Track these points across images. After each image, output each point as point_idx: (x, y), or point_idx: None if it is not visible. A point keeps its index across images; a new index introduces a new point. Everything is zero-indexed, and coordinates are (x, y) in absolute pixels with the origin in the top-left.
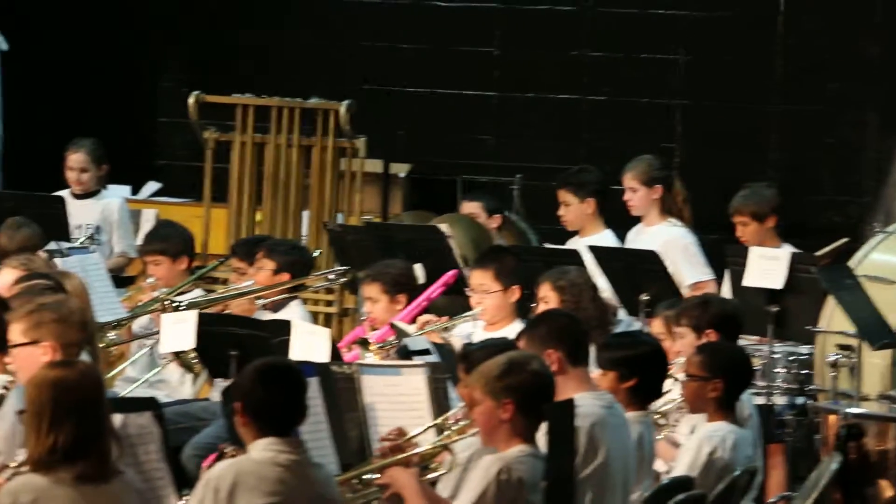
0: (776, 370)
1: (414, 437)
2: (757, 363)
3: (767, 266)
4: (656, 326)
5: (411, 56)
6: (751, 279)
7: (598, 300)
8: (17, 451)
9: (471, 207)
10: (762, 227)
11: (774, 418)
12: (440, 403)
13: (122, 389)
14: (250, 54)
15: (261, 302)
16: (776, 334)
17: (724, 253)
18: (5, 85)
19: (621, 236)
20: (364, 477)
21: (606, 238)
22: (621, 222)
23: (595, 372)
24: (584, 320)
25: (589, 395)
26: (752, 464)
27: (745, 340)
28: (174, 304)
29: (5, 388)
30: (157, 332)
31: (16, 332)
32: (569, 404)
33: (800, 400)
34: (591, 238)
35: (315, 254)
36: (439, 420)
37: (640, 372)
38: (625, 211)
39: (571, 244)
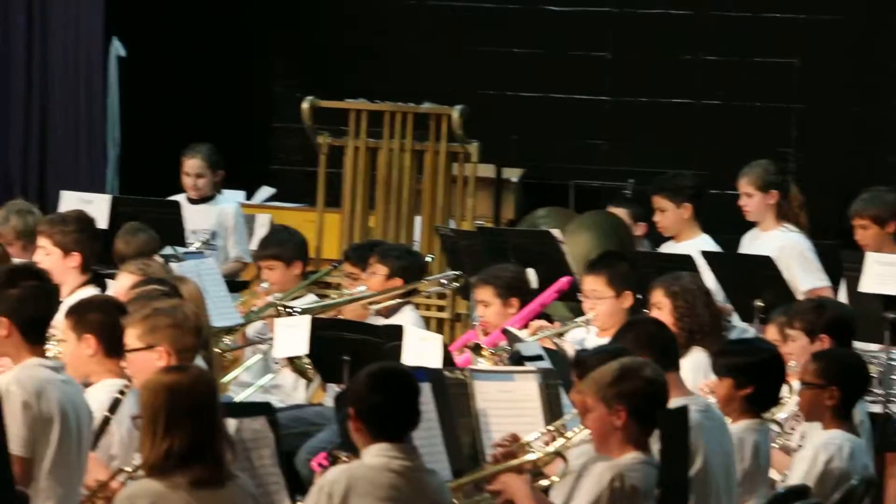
0: (893, 377)
1: (527, 443)
2: (874, 371)
3: (885, 272)
4: (771, 333)
5: (524, 61)
6: (867, 285)
7: (711, 306)
8: (132, 456)
9: (617, 214)
10: (883, 231)
11: (892, 426)
12: (553, 409)
13: (237, 394)
14: (364, 59)
15: (374, 307)
16: (893, 341)
17: (840, 259)
18: (123, 91)
19: (723, 242)
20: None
21: (705, 243)
22: (722, 227)
23: (709, 379)
24: (698, 326)
25: (683, 400)
26: (869, 473)
27: (861, 347)
28: (287, 309)
29: (121, 392)
30: (271, 338)
31: (131, 337)
32: (682, 411)
33: None
34: (688, 243)
35: (427, 259)
36: (552, 426)
37: (758, 379)
38: (727, 216)
39: (665, 249)
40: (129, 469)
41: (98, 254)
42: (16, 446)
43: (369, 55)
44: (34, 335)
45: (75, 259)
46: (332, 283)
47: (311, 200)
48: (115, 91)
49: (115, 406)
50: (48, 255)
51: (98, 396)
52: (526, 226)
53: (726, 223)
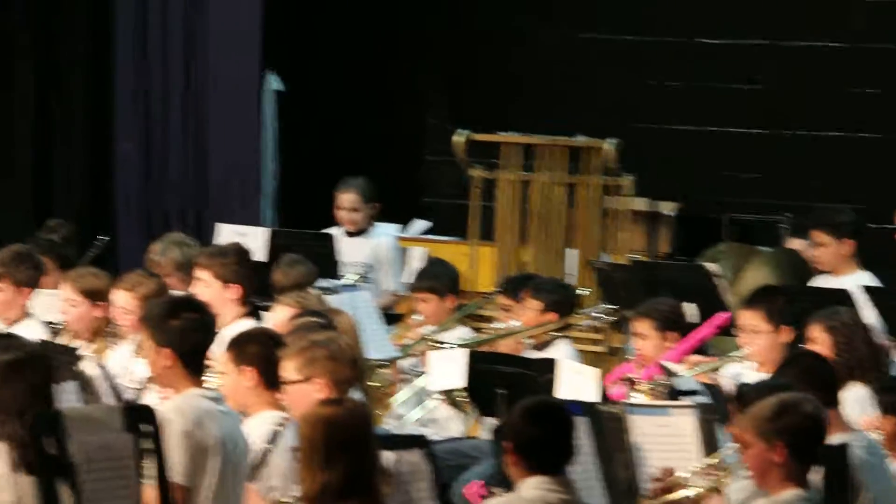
0: None
1: (684, 477)
2: None
3: None
4: None
5: (678, 93)
6: None
7: (870, 342)
8: (291, 488)
9: (796, 244)
10: None
11: None
12: (709, 444)
13: (392, 427)
14: (517, 92)
15: (528, 341)
16: None
17: None
18: (281, 125)
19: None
20: None
21: (866, 279)
22: (878, 262)
23: (870, 414)
24: (857, 362)
25: (845, 436)
26: None
27: None
28: (440, 343)
29: (280, 424)
30: (425, 370)
31: (289, 369)
32: (843, 448)
33: None
34: (847, 278)
35: (583, 293)
36: (709, 461)
37: None
38: (884, 251)
39: (820, 284)
40: (287, 501)
41: (255, 286)
42: (176, 475)
43: (523, 88)
44: (194, 366)
45: (234, 291)
46: (485, 315)
47: (464, 233)
48: (272, 125)
49: (274, 438)
50: (207, 287)
51: (257, 428)
52: (706, 259)
53: (882, 258)
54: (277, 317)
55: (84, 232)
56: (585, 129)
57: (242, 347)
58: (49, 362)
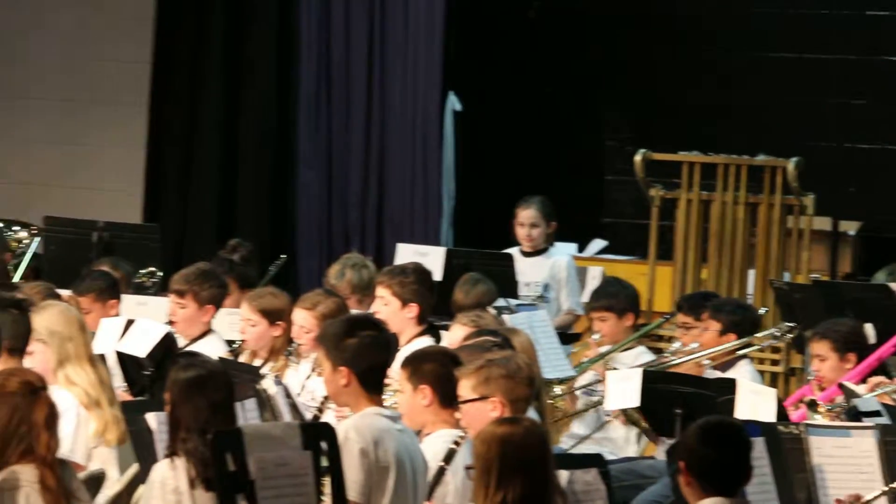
0: None
1: (868, 501)
2: None
3: None
4: None
5: (860, 112)
6: None
7: None
8: None
9: None
10: None
11: None
12: (892, 467)
13: (568, 446)
14: (696, 112)
15: (707, 362)
16: None
17: None
18: (459, 144)
19: None
20: None
21: None
22: None
23: None
24: None
25: None
26: None
27: None
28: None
29: (456, 443)
30: (602, 389)
31: (465, 388)
32: None
33: None
34: None
35: (761, 311)
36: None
37: None
38: None
39: None
40: None
41: (433, 305)
42: (353, 493)
43: (702, 108)
44: (372, 384)
45: (413, 310)
46: (663, 335)
47: (643, 253)
48: (451, 144)
49: (450, 456)
50: (386, 306)
51: (433, 446)
52: (880, 278)
53: None
54: (454, 335)
55: (265, 252)
56: (767, 149)
57: (418, 365)
58: (230, 380)
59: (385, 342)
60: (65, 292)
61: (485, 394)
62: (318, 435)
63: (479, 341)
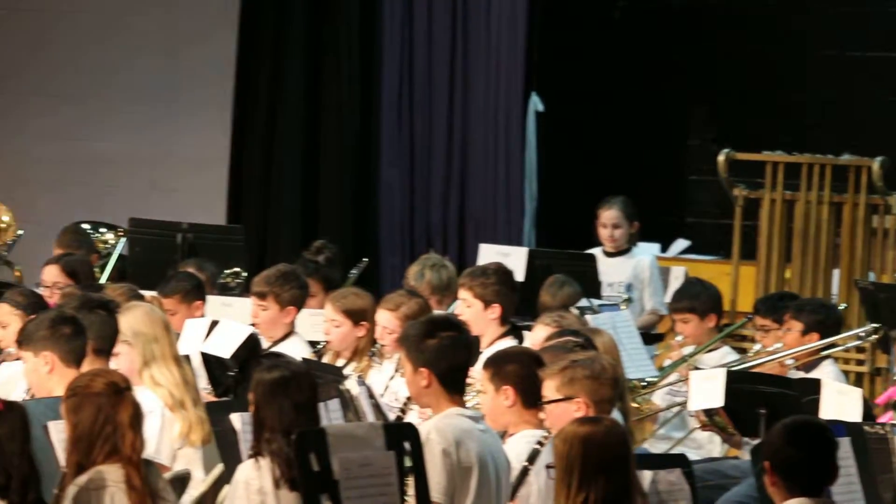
0: None
1: None
2: None
3: None
4: None
5: None
6: None
7: None
8: None
9: None
10: None
11: None
12: None
13: (652, 447)
14: (780, 112)
15: (790, 362)
16: None
17: None
18: (541, 145)
19: None
20: None
21: None
22: None
23: None
24: None
25: None
26: None
27: None
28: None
29: (539, 443)
30: (686, 390)
31: (549, 388)
32: None
33: None
34: None
35: (840, 307)
36: None
37: None
38: None
39: None
40: None
41: (516, 306)
42: (435, 493)
43: (787, 107)
44: (453, 385)
45: (495, 311)
46: (746, 335)
47: (726, 253)
48: (533, 145)
49: (533, 456)
50: (469, 307)
51: (516, 447)
52: None
53: None
54: (537, 336)
55: (348, 253)
56: (852, 148)
57: (501, 366)
58: (314, 381)
59: (465, 343)
60: (148, 293)
61: (569, 394)
62: (401, 435)
63: (561, 342)
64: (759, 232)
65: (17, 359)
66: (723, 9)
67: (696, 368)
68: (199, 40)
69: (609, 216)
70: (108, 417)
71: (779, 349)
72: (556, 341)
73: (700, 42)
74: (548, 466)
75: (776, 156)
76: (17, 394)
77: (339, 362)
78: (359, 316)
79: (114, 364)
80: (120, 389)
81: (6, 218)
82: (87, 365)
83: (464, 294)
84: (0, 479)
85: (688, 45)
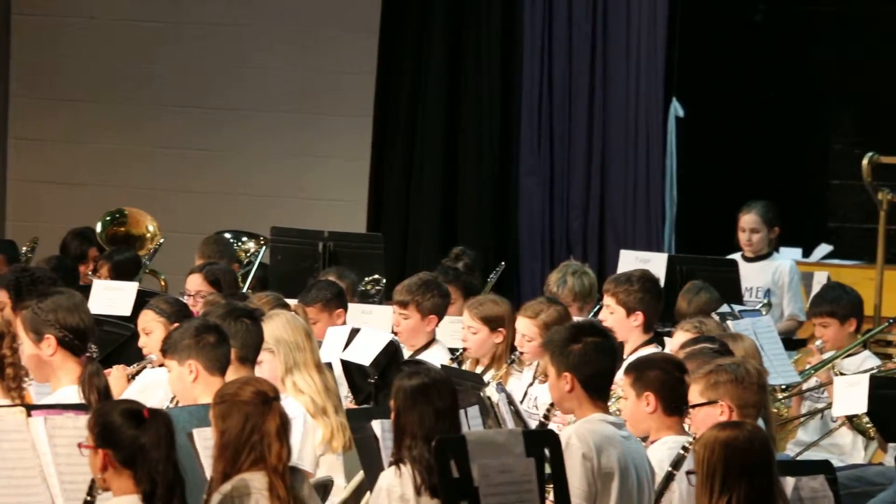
0: None
1: None
2: None
3: None
4: None
5: None
6: None
7: None
8: None
9: None
10: None
11: None
12: None
13: (794, 453)
14: None
15: None
16: None
17: None
18: (681, 150)
19: None
20: None
21: None
22: None
23: None
24: None
25: None
26: None
27: None
28: (842, 369)
29: (684, 448)
30: (827, 396)
31: (694, 392)
32: None
33: None
34: None
35: None
36: None
37: None
38: None
39: None
40: None
41: (660, 313)
42: (576, 498)
43: None
44: (597, 390)
45: (638, 318)
46: (892, 340)
47: (870, 258)
48: (674, 151)
49: (678, 462)
50: (612, 314)
51: (658, 453)
52: None
53: None
54: (677, 342)
55: (487, 260)
56: None
57: (642, 372)
58: (454, 387)
59: (610, 348)
60: (292, 302)
61: (712, 398)
62: (541, 442)
63: (697, 349)
64: None
65: (160, 365)
66: (870, 10)
67: (838, 374)
68: (340, 46)
69: (748, 221)
70: (255, 426)
71: None
72: (691, 349)
73: (844, 43)
74: (688, 473)
75: None
76: (155, 400)
77: (478, 369)
78: (496, 323)
79: (257, 372)
80: (268, 399)
81: (151, 227)
82: (232, 373)
83: (608, 301)
84: (145, 486)
85: (831, 47)
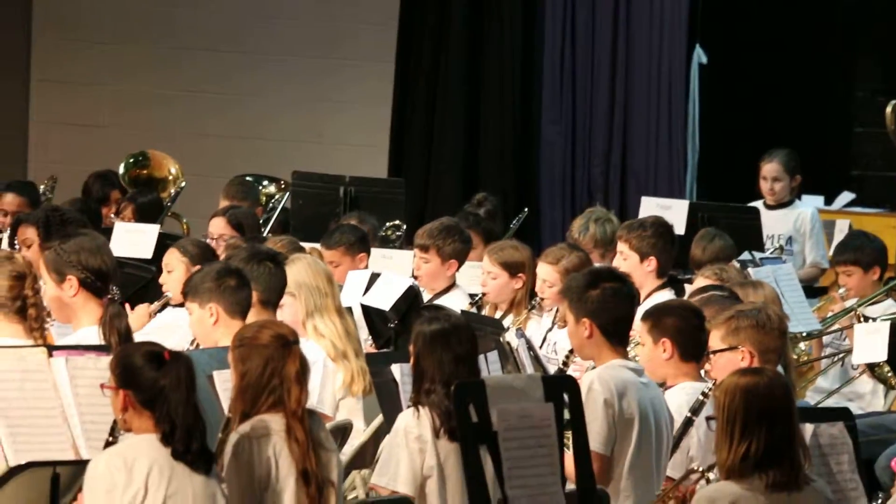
0: None
1: None
2: None
3: None
4: None
5: None
6: None
7: None
8: (709, 458)
9: None
10: None
11: None
12: None
13: (813, 400)
14: None
15: None
16: None
17: None
18: (703, 97)
19: None
20: None
21: None
22: None
23: None
24: None
25: None
26: None
27: None
28: (864, 316)
29: (704, 394)
30: (848, 343)
31: (715, 339)
32: None
33: None
34: None
35: None
36: None
37: None
38: None
39: None
40: (701, 469)
41: (675, 259)
42: (596, 444)
43: None
44: (616, 336)
45: (651, 264)
46: None
47: (892, 205)
48: (696, 98)
49: (698, 408)
50: (626, 260)
51: (675, 399)
52: None
53: None
54: (695, 289)
55: (508, 206)
56: None
57: (658, 319)
58: (473, 333)
59: (628, 294)
60: (309, 245)
61: (733, 344)
62: (560, 387)
63: (707, 296)
64: None
65: (180, 305)
66: None
67: (861, 321)
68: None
69: (770, 169)
70: (275, 370)
71: None
72: (701, 296)
73: None
74: (708, 418)
75: None
76: (174, 340)
77: (497, 315)
78: (516, 268)
79: (279, 315)
80: (288, 342)
81: (174, 170)
82: (254, 316)
83: (621, 247)
84: (165, 427)
85: None
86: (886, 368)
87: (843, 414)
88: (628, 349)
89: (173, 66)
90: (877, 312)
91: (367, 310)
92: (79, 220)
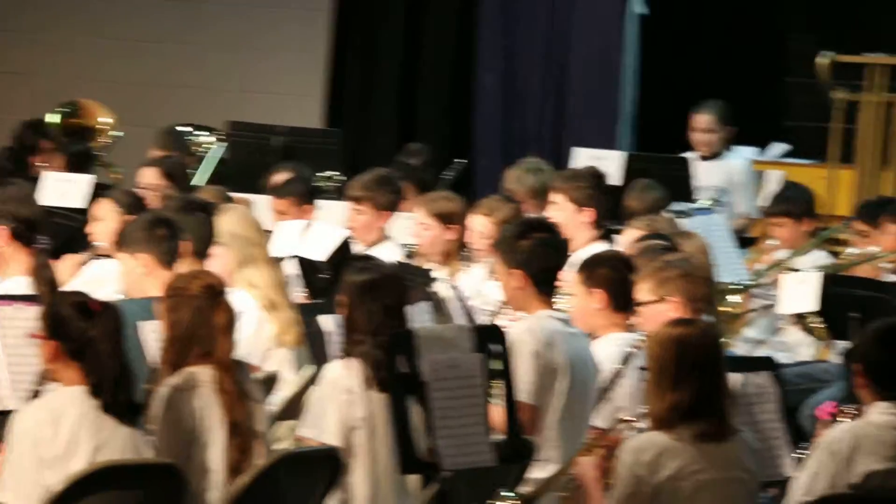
0: None
1: None
2: None
3: None
4: None
5: None
6: None
7: None
8: (638, 408)
9: None
10: None
11: None
12: None
13: (742, 350)
14: (884, 10)
15: (887, 266)
16: None
17: None
18: (641, 48)
19: None
20: None
21: None
22: None
23: None
24: None
25: None
26: None
27: None
28: (794, 268)
29: (633, 346)
30: (776, 295)
31: (643, 291)
32: None
33: None
34: None
35: None
36: None
37: None
38: None
39: None
40: (629, 419)
41: (609, 210)
42: (524, 394)
43: (891, 6)
44: (545, 286)
45: (587, 215)
46: (841, 240)
47: (824, 156)
48: (634, 49)
49: (626, 359)
50: (561, 210)
51: (605, 350)
52: None
53: None
54: (626, 240)
55: (443, 157)
56: None
57: (592, 270)
58: (403, 283)
59: (557, 244)
60: (238, 195)
61: (663, 295)
62: (489, 337)
63: (648, 245)
64: (857, 135)
65: (107, 255)
66: None
67: (789, 272)
68: None
69: (701, 121)
70: (203, 320)
71: (874, 252)
72: (642, 245)
73: None
74: (641, 368)
75: (878, 58)
76: (104, 292)
77: (429, 265)
78: (449, 219)
79: (208, 265)
80: (217, 293)
81: (109, 120)
82: (185, 266)
83: (555, 197)
84: (93, 378)
85: None
86: (815, 319)
87: (769, 363)
88: (554, 300)
89: (102, 12)
90: (806, 263)
91: (301, 260)
92: (6, 168)
